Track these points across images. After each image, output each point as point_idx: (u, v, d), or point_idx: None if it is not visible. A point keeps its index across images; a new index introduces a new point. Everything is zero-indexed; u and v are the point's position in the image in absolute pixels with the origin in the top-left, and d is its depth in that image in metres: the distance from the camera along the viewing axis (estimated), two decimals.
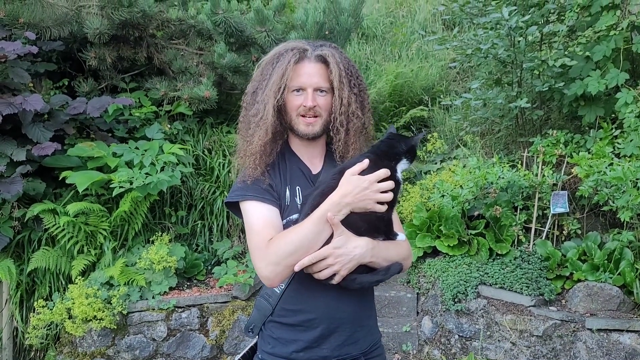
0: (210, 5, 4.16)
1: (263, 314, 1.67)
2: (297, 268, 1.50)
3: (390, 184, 1.51)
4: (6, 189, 3.49)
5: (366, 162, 1.51)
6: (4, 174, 3.56)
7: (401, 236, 1.65)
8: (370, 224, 1.57)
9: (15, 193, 3.49)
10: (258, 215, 1.59)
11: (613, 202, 3.38)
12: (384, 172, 1.49)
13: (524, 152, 4.13)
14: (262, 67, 1.68)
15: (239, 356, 1.77)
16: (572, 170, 3.71)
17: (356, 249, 1.52)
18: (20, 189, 3.51)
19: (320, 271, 1.52)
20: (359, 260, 1.52)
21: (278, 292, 1.63)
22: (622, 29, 3.54)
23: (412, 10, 7.56)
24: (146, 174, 3.83)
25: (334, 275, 1.52)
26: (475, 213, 4.01)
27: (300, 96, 1.63)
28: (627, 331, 3.23)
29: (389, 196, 1.51)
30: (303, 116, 1.63)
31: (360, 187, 1.48)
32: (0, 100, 3.56)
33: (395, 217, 1.69)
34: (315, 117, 1.63)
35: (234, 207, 1.67)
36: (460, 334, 3.70)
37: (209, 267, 4.27)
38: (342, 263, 1.51)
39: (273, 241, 1.52)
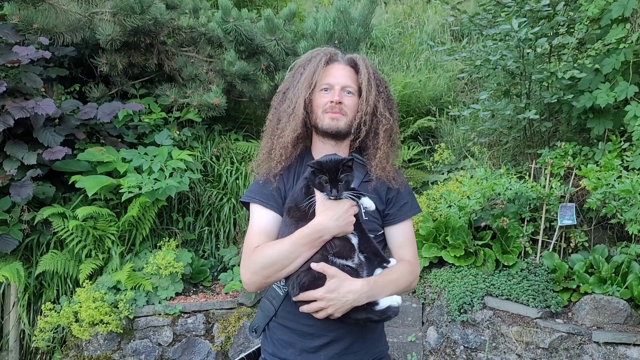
0: (221, 14, 4.21)
1: (266, 315, 1.70)
2: (295, 299, 1.56)
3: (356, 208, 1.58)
4: (17, 192, 3.54)
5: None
6: (14, 177, 3.60)
7: (392, 261, 1.66)
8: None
9: (25, 196, 3.54)
10: (257, 220, 1.65)
11: (621, 215, 3.37)
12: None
13: (531, 164, 4.13)
14: (295, 69, 1.74)
15: (243, 354, 1.79)
16: (580, 182, 3.70)
17: (349, 294, 1.49)
18: (30, 192, 3.55)
19: (315, 312, 1.54)
20: (353, 304, 1.51)
21: (282, 294, 1.66)
22: (632, 42, 3.55)
23: (421, 21, 7.59)
24: (155, 179, 3.86)
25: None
26: (482, 224, 4.00)
27: (327, 94, 1.68)
28: (634, 345, 3.20)
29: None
30: (328, 112, 1.67)
31: (342, 211, 1.54)
32: (13, 104, 3.60)
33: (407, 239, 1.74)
34: (341, 113, 1.67)
35: (248, 206, 1.73)
36: (466, 345, 3.68)
37: (215, 274, 4.28)
38: (335, 307, 1.50)
39: (256, 250, 1.58)
